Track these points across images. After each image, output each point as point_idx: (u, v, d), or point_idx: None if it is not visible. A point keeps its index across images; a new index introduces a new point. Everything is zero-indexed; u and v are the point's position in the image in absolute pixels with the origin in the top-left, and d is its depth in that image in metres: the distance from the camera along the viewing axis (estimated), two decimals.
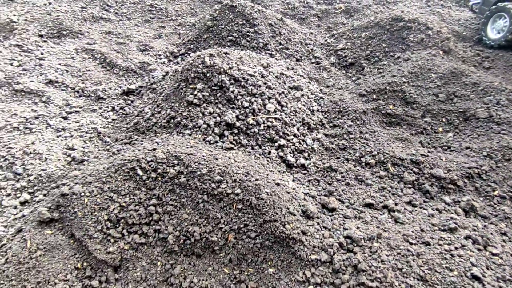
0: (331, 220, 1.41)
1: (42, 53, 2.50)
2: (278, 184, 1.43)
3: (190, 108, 1.75)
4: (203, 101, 1.75)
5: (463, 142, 1.95)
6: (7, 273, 1.18)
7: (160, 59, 2.77)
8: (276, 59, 2.59)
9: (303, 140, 1.83)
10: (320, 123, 2.01)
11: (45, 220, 1.34)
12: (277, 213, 1.31)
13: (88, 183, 1.43)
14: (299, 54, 2.81)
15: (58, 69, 2.38)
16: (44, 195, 1.55)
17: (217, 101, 1.76)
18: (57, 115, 2.00)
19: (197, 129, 1.69)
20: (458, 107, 2.13)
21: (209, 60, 1.81)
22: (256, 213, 1.32)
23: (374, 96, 2.25)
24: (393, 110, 2.15)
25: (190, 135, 1.68)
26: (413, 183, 1.67)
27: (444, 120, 2.12)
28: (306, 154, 1.78)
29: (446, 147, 1.95)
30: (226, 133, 1.69)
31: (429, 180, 1.68)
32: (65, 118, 2.00)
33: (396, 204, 1.54)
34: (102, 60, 2.59)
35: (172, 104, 1.82)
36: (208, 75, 1.79)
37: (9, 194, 1.53)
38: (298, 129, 1.86)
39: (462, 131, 2.06)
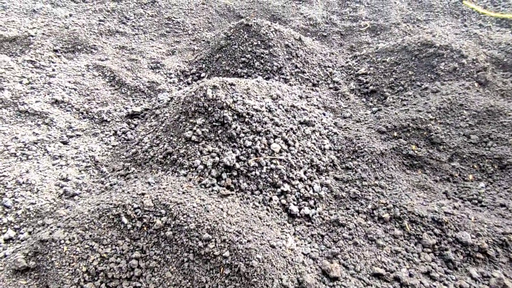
0: None
1: (53, 70, 2.48)
2: (273, 247, 1.27)
3: (188, 145, 1.62)
4: (202, 138, 1.62)
5: (497, 197, 1.69)
6: None
7: (170, 78, 2.68)
8: (290, 84, 2.42)
9: (309, 186, 1.65)
10: (331, 165, 1.82)
11: (20, 268, 1.26)
12: (267, 286, 1.15)
13: (71, 228, 1.34)
14: (317, 78, 2.63)
15: (66, 87, 2.34)
16: (29, 232, 1.47)
17: (217, 138, 1.62)
18: (57, 140, 1.94)
19: (193, 169, 1.56)
20: (493, 152, 1.87)
21: (212, 93, 1.68)
22: (244, 283, 1.16)
23: (395, 134, 2.03)
24: (416, 152, 1.92)
25: (185, 175, 1.55)
26: (434, 248, 1.45)
27: (475, 166, 1.86)
28: (312, 202, 1.60)
29: (476, 201, 1.70)
30: (224, 175, 1.55)
31: (453, 245, 1.45)
32: (64, 143, 1.94)
33: (410, 276, 1.33)
34: (111, 78, 2.54)
35: (171, 138, 1.71)
36: (209, 109, 1.66)
37: None
38: (305, 172, 1.68)
39: (496, 182, 1.80)
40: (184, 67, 2.79)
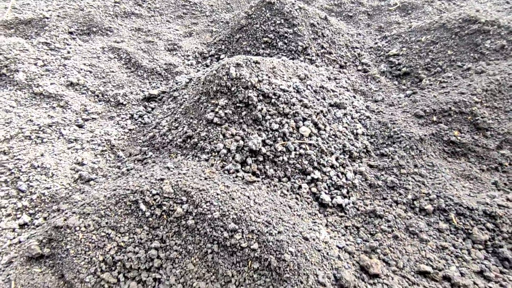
0: None
1: (68, 52, 2.39)
2: (306, 239, 1.13)
3: (209, 127, 1.49)
4: (225, 120, 1.49)
5: None
6: None
7: (188, 60, 2.55)
8: (317, 65, 2.25)
9: (342, 173, 1.50)
10: (365, 151, 1.66)
11: (34, 256, 1.18)
12: (302, 282, 1.02)
13: (86, 215, 1.25)
14: (344, 59, 2.44)
15: (81, 69, 2.25)
16: (45, 218, 1.40)
17: (241, 120, 1.49)
18: (72, 123, 1.86)
19: (216, 154, 1.43)
20: None
21: (235, 71, 1.54)
22: (275, 278, 1.04)
23: (435, 118, 1.84)
24: (459, 138, 1.73)
25: (207, 160, 1.43)
26: (486, 244, 1.28)
27: None
28: (344, 191, 1.45)
29: None
30: (249, 160, 1.41)
31: (508, 241, 1.27)
32: (80, 126, 1.85)
33: (462, 275, 1.17)
34: (127, 60, 2.43)
35: (190, 121, 1.59)
36: (233, 89, 1.52)
37: (9, 215, 1.40)
38: (337, 159, 1.53)
39: None
40: (202, 49, 2.65)
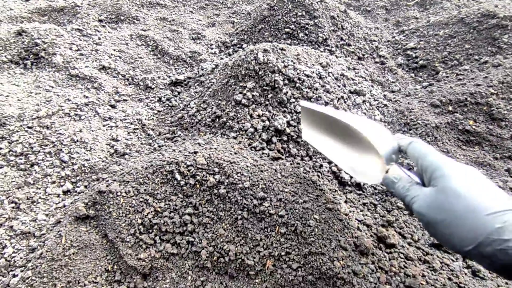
0: (390, 260, 1.19)
1: (99, 38, 2.52)
2: (329, 209, 1.23)
3: (237, 108, 1.60)
4: (252, 102, 1.59)
5: None
6: (39, 269, 1.16)
7: (212, 49, 2.65)
8: (336, 56, 2.33)
9: None
10: None
11: (81, 216, 1.31)
12: (325, 246, 1.12)
13: (126, 182, 1.37)
14: (362, 51, 2.51)
15: (112, 55, 2.38)
16: (85, 186, 1.53)
17: (267, 102, 1.59)
18: (106, 103, 1.99)
19: (243, 132, 1.54)
20: None
21: (263, 56, 1.63)
22: (301, 242, 1.14)
23: (450, 108, 1.90)
24: (474, 127, 1.80)
25: (235, 138, 1.53)
26: None
27: None
28: None
29: None
30: (274, 139, 1.52)
31: None
32: (112, 107, 1.98)
33: None
34: (154, 47, 2.55)
35: (219, 102, 1.69)
36: (260, 73, 1.62)
37: (53, 182, 1.53)
38: None
39: None
40: (225, 39, 2.75)
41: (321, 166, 1.51)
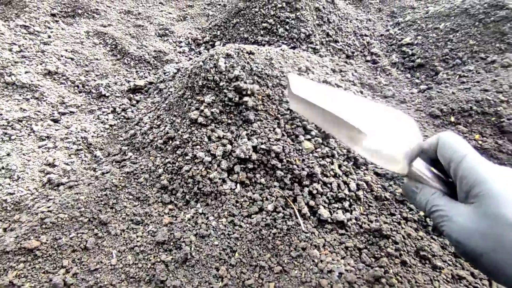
0: None
1: (49, 36, 2.19)
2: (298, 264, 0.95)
3: (193, 128, 1.30)
4: (211, 121, 1.29)
5: None
6: None
7: (180, 47, 2.33)
8: (320, 55, 2.02)
9: (345, 183, 1.31)
10: None
11: None
12: None
13: (43, 233, 1.08)
14: (351, 48, 2.20)
15: (62, 56, 2.05)
16: (4, 229, 1.23)
17: (229, 121, 1.29)
18: (47, 117, 1.68)
19: (199, 161, 1.24)
20: None
21: (225, 63, 1.33)
22: None
23: (452, 119, 1.62)
24: (480, 142, 1.52)
25: (188, 171, 1.24)
26: None
27: None
28: (346, 204, 1.26)
29: None
30: (237, 168, 1.23)
31: None
32: (55, 121, 1.67)
33: None
34: (113, 46, 2.22)
35: (173, 119, 1.39)
36: (221, 84, 1.32)
37: None
38: (340, 166, 1.33)
39: None
40: (197, 35, 2.42)
41: (295, 200, 1.22)
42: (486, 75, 1.77)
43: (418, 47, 2.15)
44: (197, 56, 2.20)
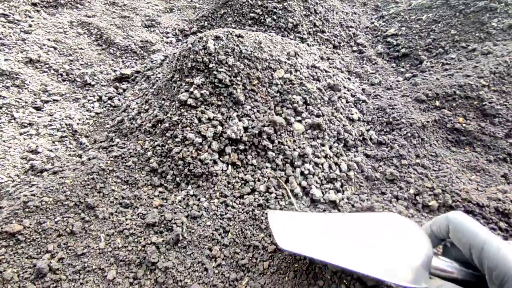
0: None
1: (30, 25, 2.11)
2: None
3: (182, 110, 1.28)
4: (200, 102, 1.28)
5: None
6: None
7: (167, 37, 2.30)
8: (308, 44, 2.04)
9: (336, 164, 1.32)
10: (361, 139, 1.47)
11: None
12: None
13: (26, 217, 1.04)
14: (338, 39, 2.23)
15: (44, 45, 1.99)
16: None
17: (219, 103, 1.28)
18: (29, 105, 1.62)
19: (189, 142, 1.22)
20: None
21: (214, 45, 1.32)
22: None
23: (437, 103, 1.66)
24: (464, 125, 1.56)
25: (178, 153, 1.22)
26: None
27: None
28: (338, 185, 1.27)
29: None
30: (228, 149, 1.21)
31: None
32: (37, 109, 1.62)
33: None
34: (98, 36, 2.17)
35: (162, 102, 1.37)
36: (210, 66, 1.30)
37: None
38: (330, 147, 1.34)
39: None
40: (184, 26, 2.40)
41: (287, 181, 1.22)
42: (467, 62, 1.82)
43: (402, 38, 2.20)
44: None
